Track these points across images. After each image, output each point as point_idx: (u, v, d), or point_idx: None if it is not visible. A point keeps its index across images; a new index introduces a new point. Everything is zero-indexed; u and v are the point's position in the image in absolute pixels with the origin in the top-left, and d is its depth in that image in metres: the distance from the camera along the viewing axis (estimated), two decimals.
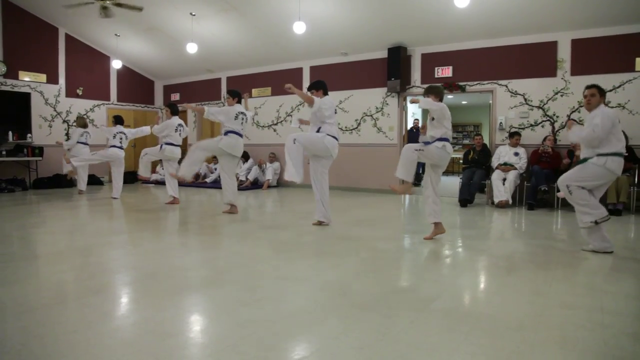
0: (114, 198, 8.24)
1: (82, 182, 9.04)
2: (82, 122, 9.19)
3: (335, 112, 5.48)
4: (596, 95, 4.19)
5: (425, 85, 8.66)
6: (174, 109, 7.44)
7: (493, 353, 2.14)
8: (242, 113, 6.23)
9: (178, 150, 7.41)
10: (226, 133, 6.16)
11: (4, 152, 9.56)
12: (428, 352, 2.14)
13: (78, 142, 8.92)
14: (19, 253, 4.23)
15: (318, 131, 5.32)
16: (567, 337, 2.32)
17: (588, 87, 4.27)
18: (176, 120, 7.36)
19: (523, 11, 7.05)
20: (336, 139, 5.37)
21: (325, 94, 5.46)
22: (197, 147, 6.37)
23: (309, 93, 5.49)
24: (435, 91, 4.70)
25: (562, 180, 4.23)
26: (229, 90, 6.48)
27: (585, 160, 4.16)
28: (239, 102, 6.34)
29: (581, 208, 4.13)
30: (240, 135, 6.23)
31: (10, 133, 9.77)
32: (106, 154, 8.38)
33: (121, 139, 8.39)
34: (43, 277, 3.48)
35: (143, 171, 7.60)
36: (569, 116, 7.45)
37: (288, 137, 5.24)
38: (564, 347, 2.21)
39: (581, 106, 7.31)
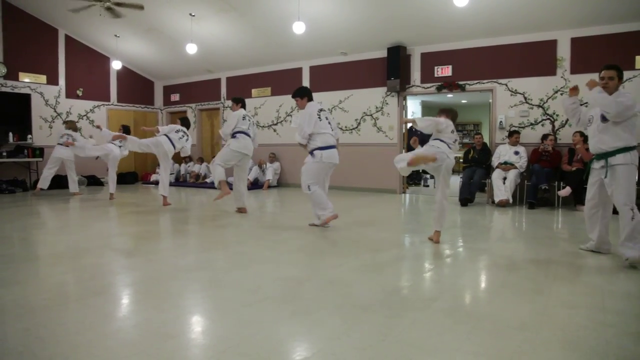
0: (111, 194, 8.40)
1: (72, 183, 8.97)
2: (71, 125, 9.06)
3: (323, 110, 5.34)
4: (615, 79, 3.78)
5: (426, 85, 8.75)
6: (184, 123, 7.67)
7: (495, 353, 2.13)
8: (247, 115, 6.42)
9: (170, 147, 7.30)
10: (234, 135, 6.26)
11: (4, 153, 9.56)
12: (430, 352, 2.14)
13: (58, 144, 8.77)
14: (19, 254, 4.23)
15: (311, 152, 5.27)
16: (570, 337, 2.31)
17: (607, 68, 3.81)
18: (178, 127, 7.49)
19: (522, 10, 7.05)
20: (332, 147, 5.26)
21: (310, 99, 5.46)
22: (215, 163, 6.35)
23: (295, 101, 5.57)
24: (447, 113, 4.67)
25: (624, 203, 3.65)
26: (233, 98, 6.63)
27: (604, 161, 3.78)
28: (243, 107, 6.53)
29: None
30: (248, 135, 6.32)
31: (10, 134, 9.77)
32: (103, 148, 8.51)
33: (122, 146, 8.53)
34: (44, 278, 3.48)
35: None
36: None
37: (303, 185, 5.28)
38: (567, 346, 2.21)
39: (582, 105, 7.28)
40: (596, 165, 3.97)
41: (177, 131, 7.38)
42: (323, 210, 5.27)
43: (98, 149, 8.64)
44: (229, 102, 6.64)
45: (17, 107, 10.08)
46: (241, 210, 6.56)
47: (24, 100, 10.20)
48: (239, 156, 6.29)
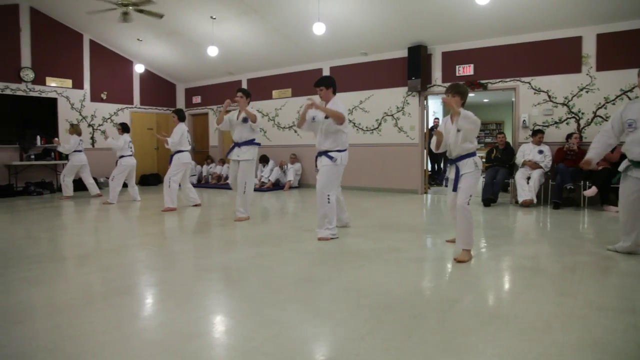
0: (137, 200, 8.49)
1: (67, 188, 8.95)
2: (77, 129, 9.03)
3: None
4: None
5: (447, 84, 8.65)
6: (181, 115, 7.41)
7: (521, 355, 2.10)
8: None
9: (188, 155, 7.40)
10: (256, 142, 6.13)
11: (32, 156, 9.82)
12: (455, 354, 2.12)
13: (75, 151, 8.85)
14: (47, 254, 4.33)
15: (327, 154, 4.74)
16: (598, 339, 2.26)
17: None
18: (184, 126, 7.33)
19: (546, 6, 6.92)
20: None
21: (335, 92, 4.85)
22: (247, 189, 6.09)
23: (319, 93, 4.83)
24: (462, 90, 3.92)
25: None
26: (244, 90, 6.21)
27: None
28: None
29: None
30: None
31: (38, 137, 10.03)
32: (122, 166, 8.27)
33: (130, 147, 8.45)
34: (71, 278, 3.56)
35: (170, 202, 7.20)
36: (594, 112, 7.28)
37: (322, 194, 4.70)
38: (595, 349, 2.16)
39: (608, 102, 7.15)
40: (637, 174, 3.67)
41: (185, 136, 7.31)
42: (332, 224, 4.76)
43: (120, 170, 8.31)
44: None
45: (44, 111, 10.36)
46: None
47: (51, 104, 10.47)
48: None
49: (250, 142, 6.09)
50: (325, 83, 4.78)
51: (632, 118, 3.64)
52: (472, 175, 3.83)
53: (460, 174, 3.87)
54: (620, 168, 3.91)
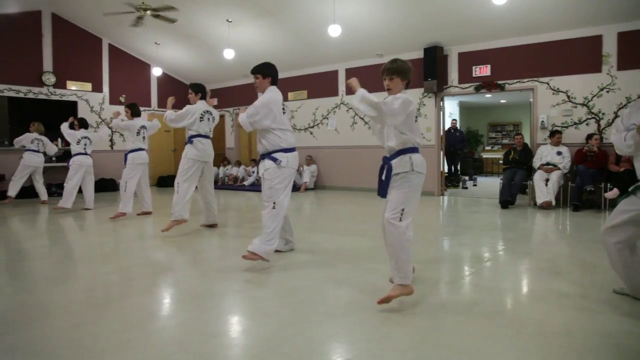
0: (87, 209, 7.68)
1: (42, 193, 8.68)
2: (40, 128, 8.50)
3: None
4: None
5: (464, 85, 8.60)
6: (135, 110, 6.77)
7: (540, 359, 2.08)
8: (207, 112, 5.42)
9: (145, 155, 6.72)
10: (191, 139, 5.28)
11: (53, 158, 10.00)
12: (472, 357, 2.11)
13: (28, 150, 8.27)
14: (68, 254, 4.42)
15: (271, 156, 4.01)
16: (620, 345, 2.22)
17: None
18: (138, 121, 6.73)
19: (564, 4, 6.82)
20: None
21: (274, 83, 4.26)
22: (180, 185, 5.27)
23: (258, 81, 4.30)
24: (400, 69, 3.07)
25: None
26: (192, 84, 5.56)
27: None
28: (203, 98, 5.48)
29: None
30: (209, 138, 5.47)
31: (59, 140, 10.22)
32: (74, 164, 7.58)
33: (85, 144, 7.69)
34: (92, 277, 3.61)
35: (123, 207, 6.55)
36: (615, 113, 7.16)
37: (280, 207, 3.85)
38: (617, 354, 2.12)
39: (629, 102, 7.01)
40: None
41: (139, 132, 6.70)
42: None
43: (74, 170, 7.62)
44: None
45: (65, 114, 10.54)
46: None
47: (71, 107, 10.68)
48: None
49: (189, 141, 5.38)
50: (263, 71, 4.20)
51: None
52: (405, 181, 2.87)
53: (392, 175, 2.91)
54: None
